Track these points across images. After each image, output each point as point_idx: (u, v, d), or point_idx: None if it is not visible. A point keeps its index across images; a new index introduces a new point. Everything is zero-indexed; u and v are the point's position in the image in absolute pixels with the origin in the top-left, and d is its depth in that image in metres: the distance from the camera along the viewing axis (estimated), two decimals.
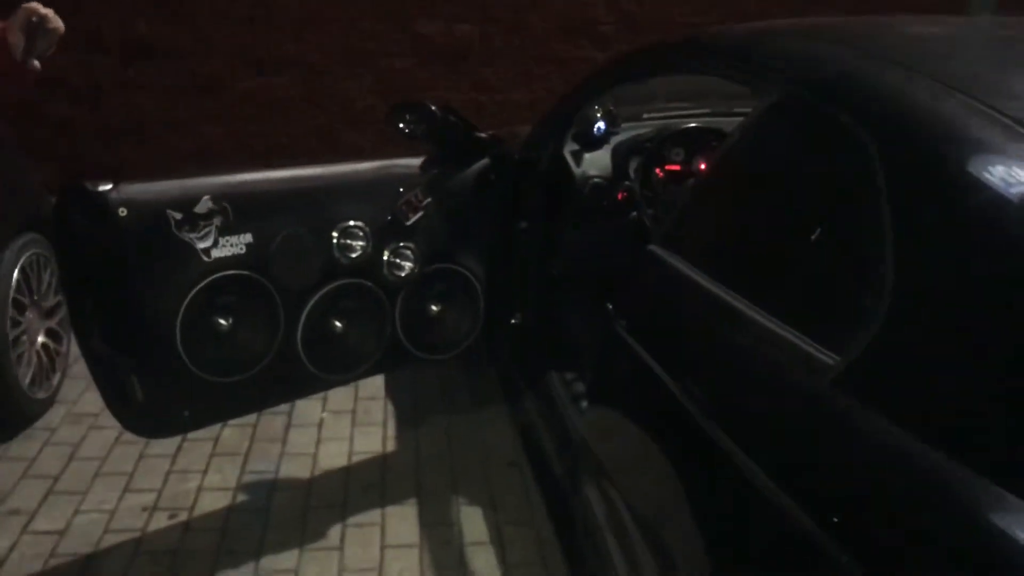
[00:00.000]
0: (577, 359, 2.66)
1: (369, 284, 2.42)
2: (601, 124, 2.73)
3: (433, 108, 2.52)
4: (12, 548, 2.42)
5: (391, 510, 2.64)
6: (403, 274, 2.46)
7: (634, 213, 2.67)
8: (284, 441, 2.99)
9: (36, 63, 1.73)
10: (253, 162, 5.80)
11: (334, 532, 2.53)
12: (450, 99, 5.78)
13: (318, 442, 3.00)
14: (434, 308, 2.59)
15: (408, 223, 2.45)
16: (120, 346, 2.21)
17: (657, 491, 1.52)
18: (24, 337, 2.97)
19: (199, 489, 2.71)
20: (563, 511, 2.24)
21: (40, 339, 3.11)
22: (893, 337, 1.04)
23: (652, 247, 1.68)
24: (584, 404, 2.40)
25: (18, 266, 2.92)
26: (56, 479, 2.74)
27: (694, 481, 1.37)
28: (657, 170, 2.67)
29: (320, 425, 3.10)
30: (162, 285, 2.15)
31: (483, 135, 2.65)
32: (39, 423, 3.04)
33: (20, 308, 2.95)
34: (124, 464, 2.82)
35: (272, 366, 2.33)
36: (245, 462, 2.86)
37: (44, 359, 3.10)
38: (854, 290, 1.13)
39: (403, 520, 2.59)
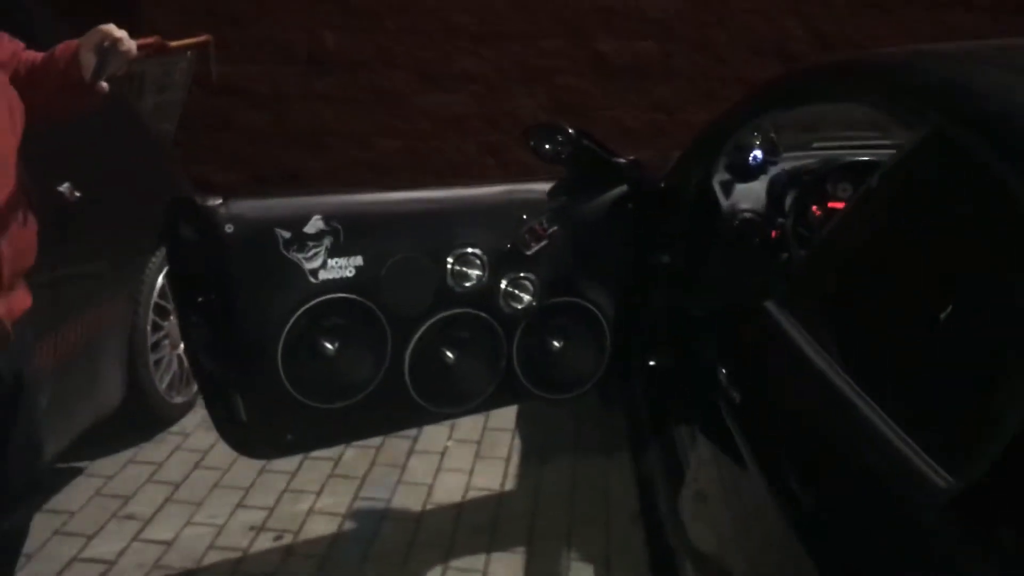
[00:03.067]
0: (704, 415, 2.40)
1: (484, 315, 2.27)
2: (758, 153, 2.46)
3: (570, 131, 2.34)
4: (120, 554, 2.44)
5: (497, 556, 2.47)
6: (520, 306, 2.29)
7: (786, 254, 2.38)
8: (404, 467, 2.89)
9: (104, 84, 1.70)
10: (427, 178, 5.85)
11: (434, 574, 2.39)
12: (627, 119, 5.59)
13: (437, 471, 2.88)
14: (555, 344, 2.40)
15: (530, 252, 2.27)
16: (224, 363, 2.17)
17: None
18: (165, 342, 3.03)
19: (309, 511, 2.65)
20: None
21: (182, 345, 3.16)
22: None
23: (768, 304, 1.43)
24: (692, 470, 2.15)
25: (164, 272, 2.98)
26: (177, 487, 2.76)
27: None
28: (814, 207, 2.37)
29: (443, 453, 2.98)
30: (266, 305, 2.08)
31: (622, 160, 2.44)
32: (174, 427, 3.09)
33: (163, 313, 3.01)
34: (243, 478, 2.80)
35: (377, 395, 2.22)
36: (360, 487, 2.78)
37: (185, 364, 3.16)
38: (985, 395, 0.86)
39: (508, 569, 2.42)
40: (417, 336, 2.22)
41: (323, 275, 2.11)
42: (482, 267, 2.23)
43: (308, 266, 2.10)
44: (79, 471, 2.82)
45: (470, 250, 2.22)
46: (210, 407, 2.24)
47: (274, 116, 5.89)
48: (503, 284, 2.27)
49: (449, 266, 2.21)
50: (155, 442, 3.01)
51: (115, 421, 2.82)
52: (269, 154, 5.95)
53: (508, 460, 2.95)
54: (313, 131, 5.90)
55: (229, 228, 2.01)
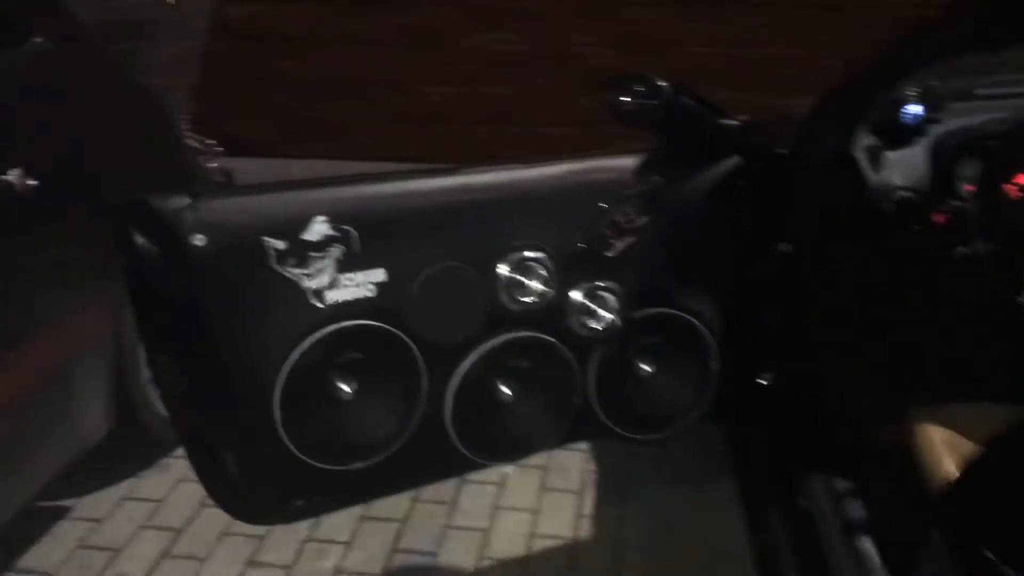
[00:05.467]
0: (859, 464, 1.82)
1: (550, 339, 1.69)
2: (916, 107, 1.82)
3: (661, 84, 1.73)
4: None
5: None
6: (600, 326, 1.71)
7: (963, 247, 1.75)
8: (453, 505, 2.36)
9: None
10: (479, 127, 5.26)
11: None
12: (702, 56, 4.90)
13: (494, 511, 2.34)
14: (645, 369, 1.82)
15: (611, 253, 1.68)
16: (207, 415, 1.64)
17: None
18: None
19: (336, 572, 2.14)
20: None
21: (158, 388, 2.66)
22: None
23: None
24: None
25: None
26: (178, 534, 2.27)
27: None
28: (1009, 186, 1.73)
29: (501, 485, 2.44)
30: (257, 340, 1.53)
31: (732, 122, 1.82)
32: (181, 451, 2.59)
33: None
34: None
35: (409, 448, 1.67)
36: (400, 534, 2.26)
37: None
38: None
39: None
40: (462, 371, 1.65)
41: (332, 296, 1.55)
42: (547, 276, 1.65)
43: (311, 285, 1.53)
44: (64, 512, 2.34)
45: (529, 254, 1.63)
46: (195, 465, 1.71)
47: (309, 63, 5.33)
48: (576, 297, 1.68)
49: (502, 277, 1.63)
50: (156, 471, 2.52)
51: (111, 446, 2.33)
52: (305, 106, 5.40)
53: (581, 494, 2.40)
54: (352, 79, 5.33)
55: (199, 240, 1.46)
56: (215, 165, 4.15)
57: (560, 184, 1.69)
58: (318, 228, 1.52)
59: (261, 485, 1.67)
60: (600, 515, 2.33)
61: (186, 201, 1.47)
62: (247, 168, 4.64)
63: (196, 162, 2.82)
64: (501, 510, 2.35)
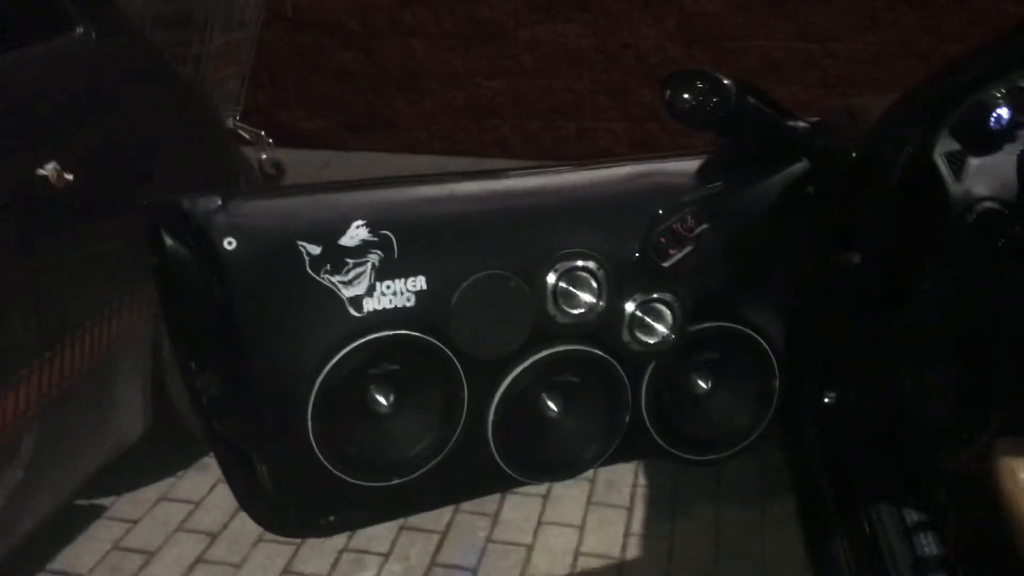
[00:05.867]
0: (933, 494, 1.69)
1: (599, 353, 1.59)
2: (1003, 111, 1.68)
3: (726, 82, 1.60)
4: None
5: None
6: (654, 340, 1.60)
7: None
8: (496, 517, 2.27)
9: None
10: (533, 122, 5.15)
11: None
12: (771, 50, 4.73)
13: (539, 525, 2.25)
14: (702, 386, 1.71)
15: (667, 263, 1.57)
16: (239, 425, 1.57)
17: None
18: None
19: None
20: None
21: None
22: None
23: None
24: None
25: None
26: (214, 538, 2.21)
27: None
28: None
29: (547, 497, 2.35)
30: (289, 349, 1.46)
31: (800, 124, 1.70)
32: None
33: None
34: None
35: (449, 464, 1.59)
36: (440, 546, 2.18)
37: None
38: None
39: None
40: (505, 385, 1.56)
41: (370, 305, 1.47)
42: (597, 287, 1.55)
43: (348, 293, 1.46)
44: (100, 511, 2.31)
45: (580, 263, 1.53)
46: (227, 475, 1.65)
47: (364, 54, 5.28)
48: (628, 309, 1.58)
49: (550, 286, 1.53)
50: (196, 470, 2.47)
51: (149, 445, 2.29)
52: (360, 97, 5.36)
53: (630, 510, 2.29)
54: (408, 71, 5.27)
55: (230, 243, 1.38)
56: (265, 156, 4.15)
57: (613, 188, 1.59)
58: (356, 233, 1.44)
59: (293, 498, 1.60)
60: (650, 533, 2.21)
61: (217, 202, 1.39)
62: (298, 159, 4.65)
63: (241, 158, 2.76)
64: (545, 525, 2.25)
